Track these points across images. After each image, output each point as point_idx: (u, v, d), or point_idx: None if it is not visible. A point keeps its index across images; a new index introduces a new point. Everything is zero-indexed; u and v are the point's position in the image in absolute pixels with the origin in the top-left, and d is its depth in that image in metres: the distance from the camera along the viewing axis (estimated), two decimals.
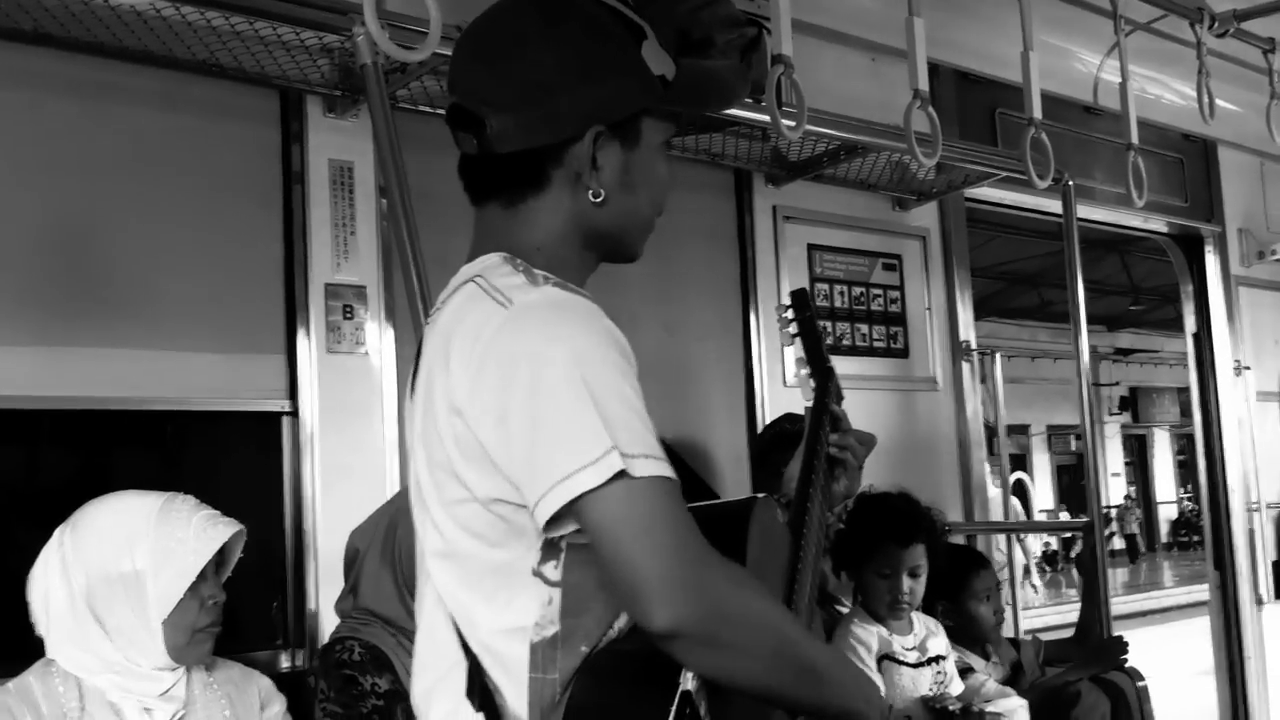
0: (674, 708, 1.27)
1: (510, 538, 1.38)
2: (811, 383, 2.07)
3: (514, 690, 1.38)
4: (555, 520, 1.30)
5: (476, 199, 1.54)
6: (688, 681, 1.29)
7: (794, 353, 2.12)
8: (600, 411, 1.29)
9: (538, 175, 1.48)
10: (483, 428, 1.34)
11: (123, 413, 2.80)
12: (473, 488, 1.38)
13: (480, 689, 1.39)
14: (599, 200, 1.49)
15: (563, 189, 1.49)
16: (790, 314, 2.14)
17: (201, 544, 2.11)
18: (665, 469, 1.30)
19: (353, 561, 2.56)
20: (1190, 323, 5.64)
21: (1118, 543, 25.77)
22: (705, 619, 1.26)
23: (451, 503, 1.41)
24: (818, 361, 2.09)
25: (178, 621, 2.09)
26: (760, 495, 1.59)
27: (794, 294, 2.18)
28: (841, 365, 2.16)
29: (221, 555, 2.17)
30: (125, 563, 2.06)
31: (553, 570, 1.38)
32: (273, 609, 2.92)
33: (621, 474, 1.27)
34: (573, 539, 1.36)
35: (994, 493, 4.68)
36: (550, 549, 1.37)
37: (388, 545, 2.47)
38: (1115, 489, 27.36)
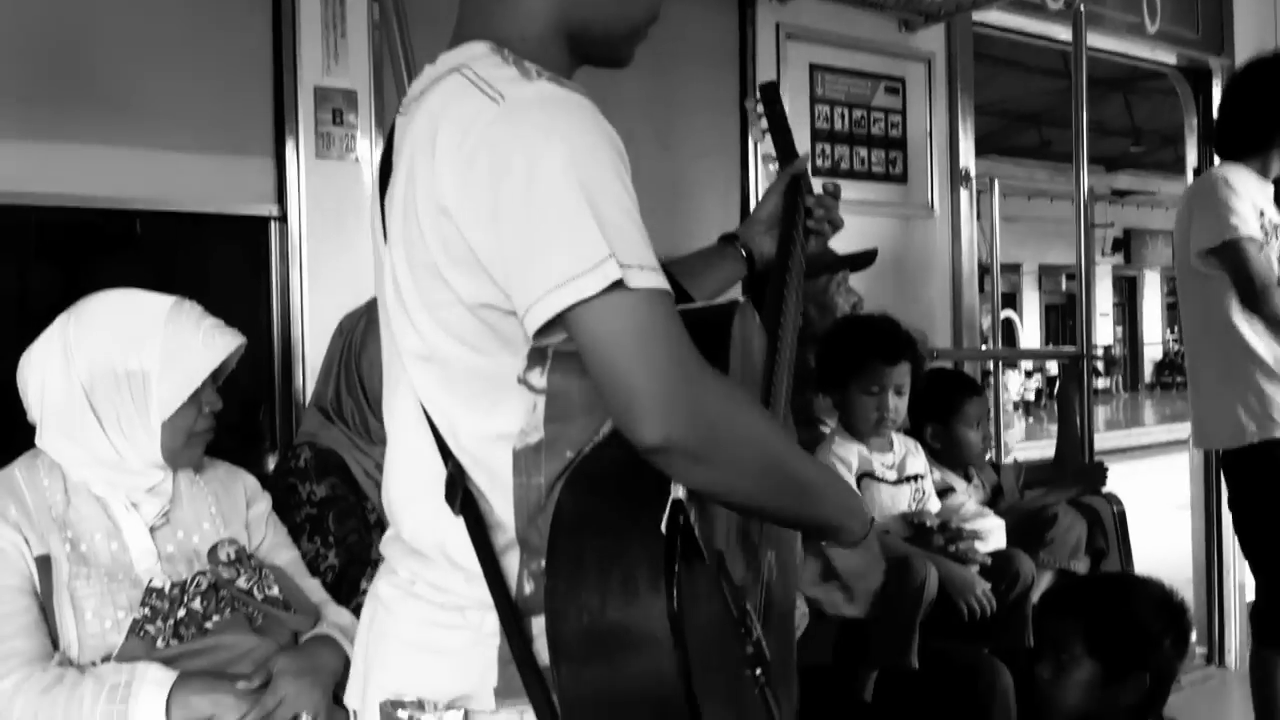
0: (665, 515, 1.24)
1: (496, 344, 1.33)
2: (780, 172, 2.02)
3: (499, 495, 1.36)
4: (545, 328, 1.25)
5: None
6: (679, 490, 1.26)
7: (763, 148, 2.07)
8: (597, 216, 1.22)
9: None
10: (472, 229, 1.27)
11: (106, 210, 2.75)
12: (459, 291, 1.31)
13: (463, 494, 1.37)
14: None
15: None
16: (760, 108, 2.08)
17: (209, 350, 2.08)
18: (661, 280, 1.25)
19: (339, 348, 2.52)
20: (1192, 158, 5.55)
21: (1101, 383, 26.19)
22: (696, 435, 1.23)
23: (435, 305, 1.34)
24: (788, 155, 2.04)
25: (177, 424, 2.07)
26: (740, 300, 1.54)
27: (763, 87, 2.11)
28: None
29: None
30: (132, 360, 2.03)
31: (538, 377, 1.33)
32: (259, 412, 2.93)
33: (618, 284, 1.21)
34: (560, 346, 1.31)
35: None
36: (537, 356, 1.33)
37: (351, 346, 2.44)
38: (1103, 329, 27.58)
